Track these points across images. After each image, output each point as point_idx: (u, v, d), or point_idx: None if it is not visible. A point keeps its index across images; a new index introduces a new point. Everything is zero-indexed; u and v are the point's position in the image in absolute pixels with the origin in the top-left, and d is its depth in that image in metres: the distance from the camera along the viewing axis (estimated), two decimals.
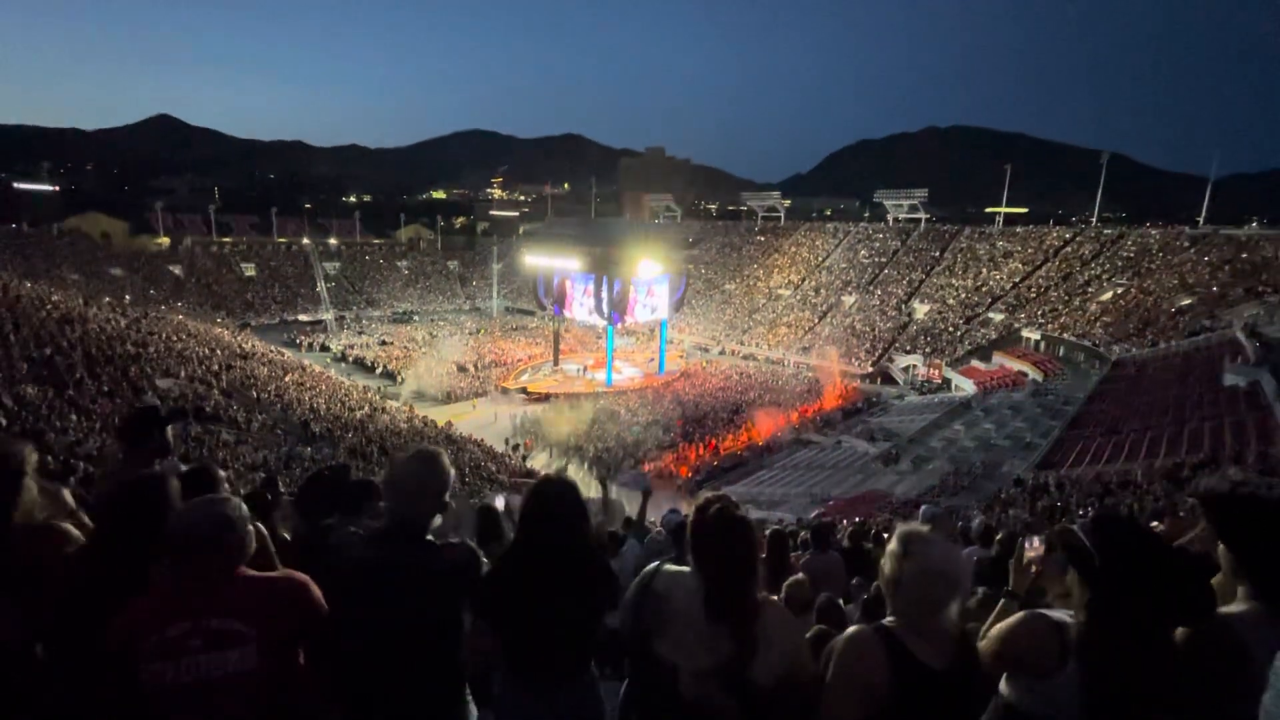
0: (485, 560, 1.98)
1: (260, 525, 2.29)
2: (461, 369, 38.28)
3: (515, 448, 26.95)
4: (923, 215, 56.12)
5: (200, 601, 1.78)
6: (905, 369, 39.29)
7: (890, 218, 59.01)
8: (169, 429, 2.77)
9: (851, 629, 1.74)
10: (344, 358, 41.89)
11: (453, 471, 1.97)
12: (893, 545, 1.72)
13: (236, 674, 1.74)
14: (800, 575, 3.83)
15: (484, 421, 30.00)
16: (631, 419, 30.08)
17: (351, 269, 62.91)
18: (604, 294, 36.69)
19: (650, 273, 38.61)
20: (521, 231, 66.56)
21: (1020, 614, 1.67)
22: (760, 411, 29.91)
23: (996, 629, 1.68)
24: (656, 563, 1.96)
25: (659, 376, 39.49)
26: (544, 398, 34.01)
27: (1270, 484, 1.56)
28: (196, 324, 39.48)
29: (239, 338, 41.27)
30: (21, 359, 15.92)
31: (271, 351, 37.71)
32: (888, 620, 1.72)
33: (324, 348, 44.82)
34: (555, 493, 1.94)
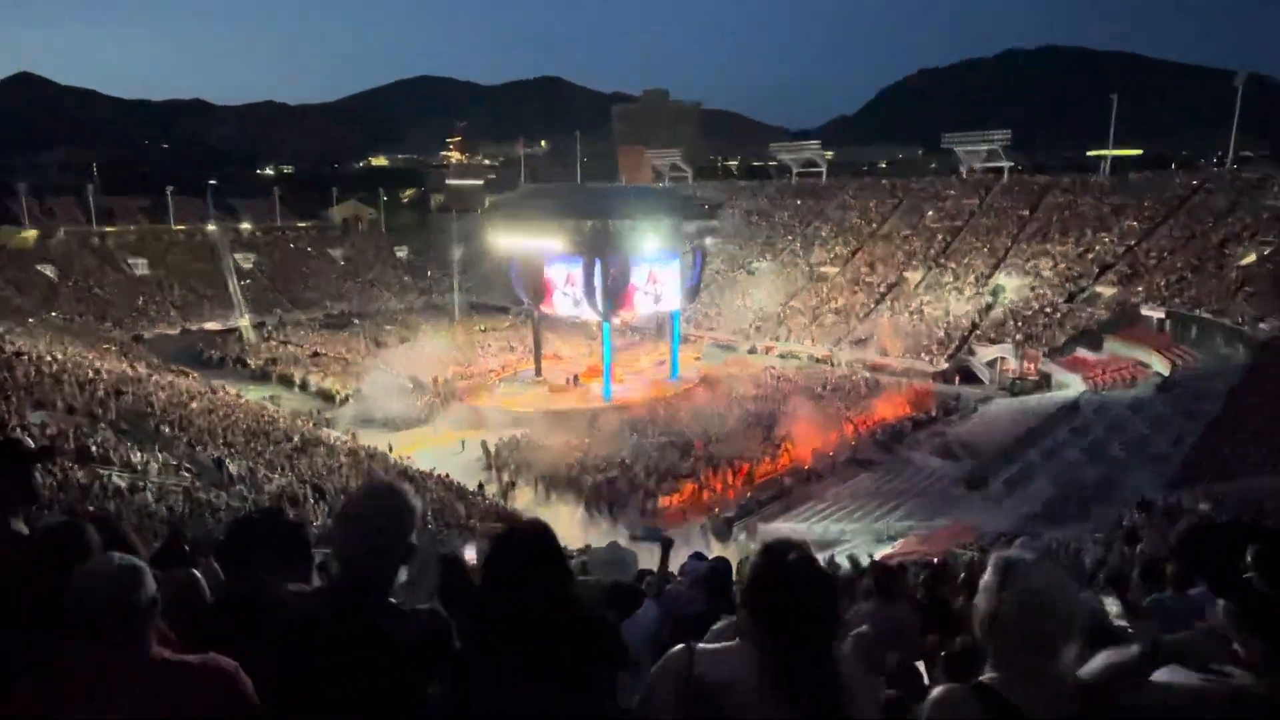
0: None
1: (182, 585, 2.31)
2: (417, 384, 38.40)
3: (498, 488, 26.98)
4: (1006, 163, 56.02)
5: (104, 687, 1.81)
6: (991, 363, 39.16)
7: (964, 169, 58.82)
8: (35, 471, 2.70)
9: (940, 688, 1.76)
10: (266, 375, 42.11)
11: (419, 506, 1.99)
12: (988, 575, 1.74)
13: None
14: (864, 628, 3.84)
15: (448, 451, 30.06)
16: (639, 440, 30.18)
17: (272, 262, 63.28)
18: (596, 281, 36.76)
19: (655, 251, 38.68)
20: (488, 205, 66.84)
21: (1186, 675, 1.66)
22: (804, 425, 29.85)
23: (1154, 688, 1.66)
24: (682, 646, 1.93)
25: (671, 385, 39.50)
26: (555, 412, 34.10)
27: None
28: (75, 340, 39.73)
29: (131, 355, 41.53)
30: None
31: (173, 371, 37.91)
32: (985, 676, 1.73)
33: (240, 363, 45.04)
34: (520, 549, 1.92)
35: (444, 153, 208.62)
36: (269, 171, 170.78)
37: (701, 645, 1.92)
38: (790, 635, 1.74)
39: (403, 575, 1.97)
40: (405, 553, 1.94)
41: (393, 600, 1.94)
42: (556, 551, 1.97)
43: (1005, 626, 1.68)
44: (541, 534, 1.99)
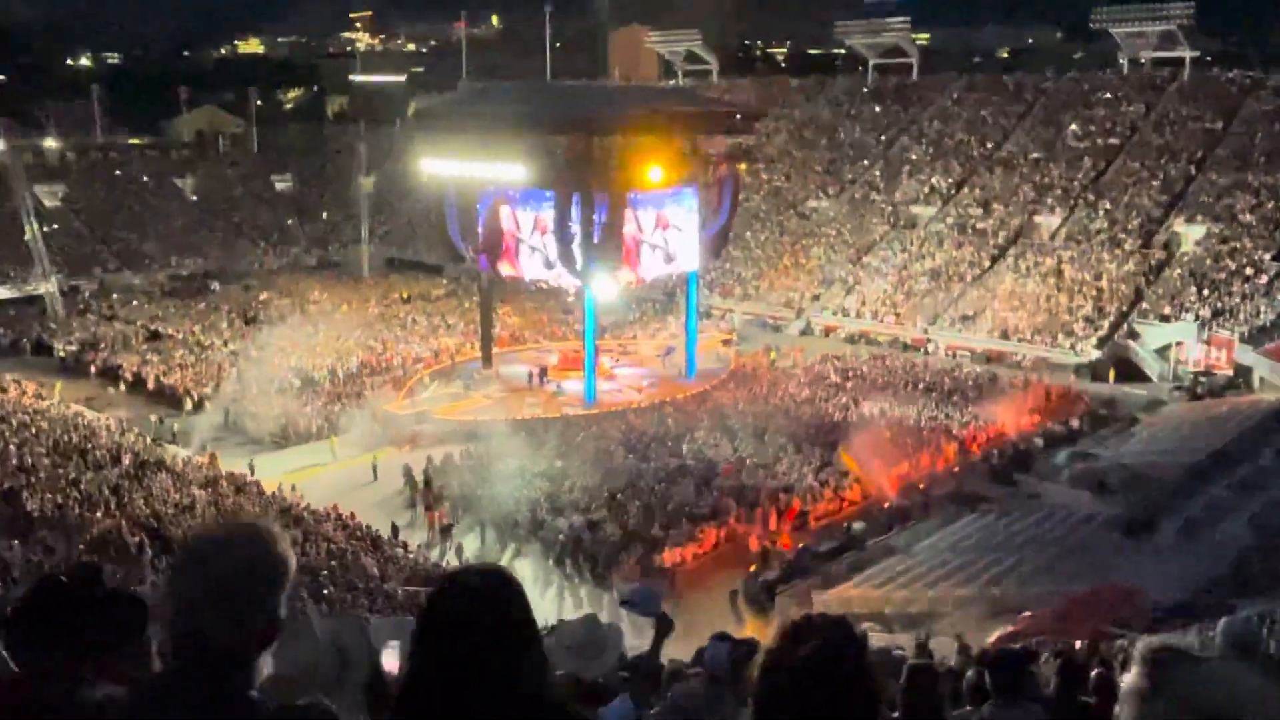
0: None
1: None
2: (307, 381, 38.38)
3: (428, 535, 27.02)
4: (1187, 53, 55.69)
5: None
6: (1162, 351, 39.08)
7: (1124, 60, 58.47)
8: None
9: None
10: (82, 367, 42.12)
11: (292, 560, 1.99)
12: (1132, 674, 1.73)
13: None
14: None
15: (354, 479, 30.10)
16: (637, 465, 30.09)
17: (90, 197, 63.05)
18: (574, 228, 36.71)
19: (662, 183, 38.57)
20: (413, 112, 66.44)
21: None
22: (883, 443, 29.88)
23: None
24: None
25: (686, 383, 39.47)
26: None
27: None
28: None
29: None
30: None
31: None
32: None
33: (42, 349, 45.04)
34: (475, 597, 1.93)
35: (346, 34, 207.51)
36: (84, 63, 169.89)
37: None
38: None
39: (267, 664, 1.98)
40: (264, 627, 1.95)
41: (254, 694, 1.95)
42: (525, 615, 1.98)
43: None
44: (501, 585, 1.99)
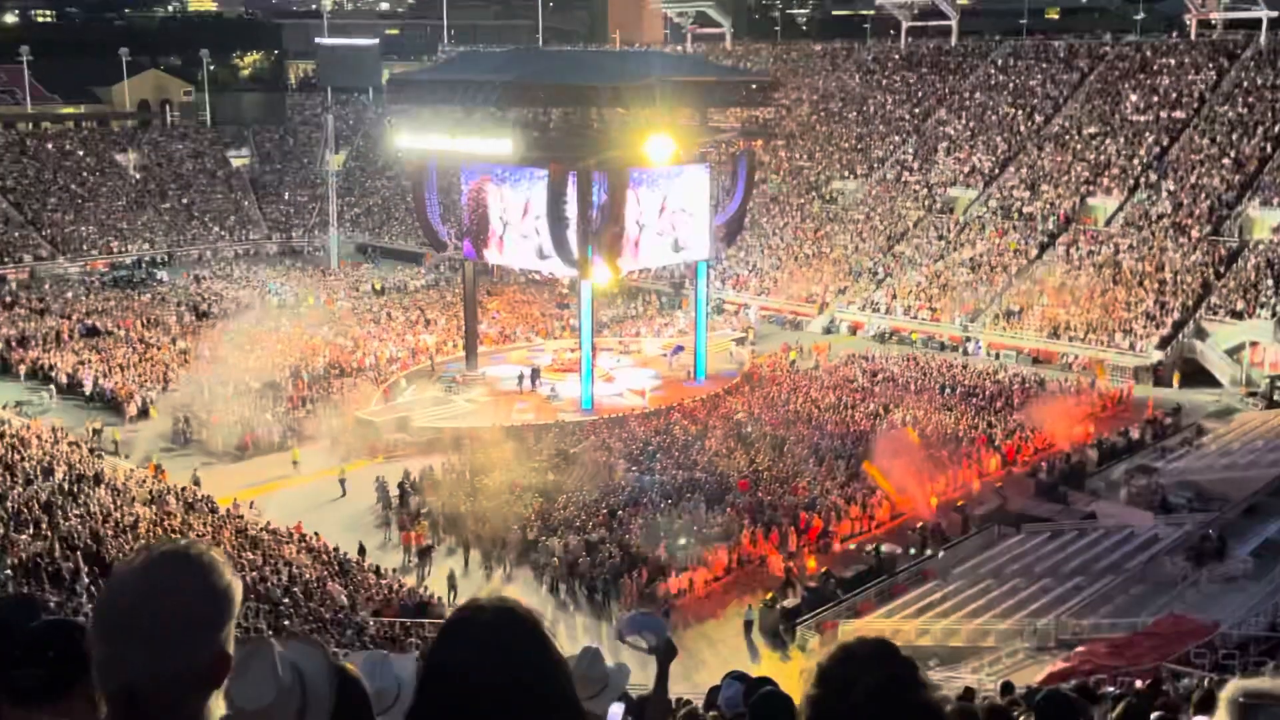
0: None
1: None
2: (268, 385, 38.36)
3: (405, 557, 26.97)
4: (1264, 13, 55.43)
5: None
6: (1232, 352, 39.08)
7: (1191, 22, 58.33)
8: None
9: None
10: (7, 367, 42.18)
11: (237, 588, 1.95)
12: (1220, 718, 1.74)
13: None
14: None
15: (320, 494, 30.13)
16: (640, 479, 30.04)
17: (17, 175, 63.11)
18: (569, 211, 36.68)
19: (668, 161, 38.52)
20: (388, 80, 66.29)
21: None
22: (916, 454, 29.85)
23: None
24: None
25: (695, 386, 39.51)
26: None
27: None
28: None
29: None
30: None
31: None
32: None
33: None
34: (491, 635, 1.90)
35: None
36: (10, 19, 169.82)
37: None
38: None
39: (218, 704, 1.95)
40: (207, 667, 1.91)
41: None
42: (548, 664, 1.93)
43: None
44: (521, 621, 1.95)
